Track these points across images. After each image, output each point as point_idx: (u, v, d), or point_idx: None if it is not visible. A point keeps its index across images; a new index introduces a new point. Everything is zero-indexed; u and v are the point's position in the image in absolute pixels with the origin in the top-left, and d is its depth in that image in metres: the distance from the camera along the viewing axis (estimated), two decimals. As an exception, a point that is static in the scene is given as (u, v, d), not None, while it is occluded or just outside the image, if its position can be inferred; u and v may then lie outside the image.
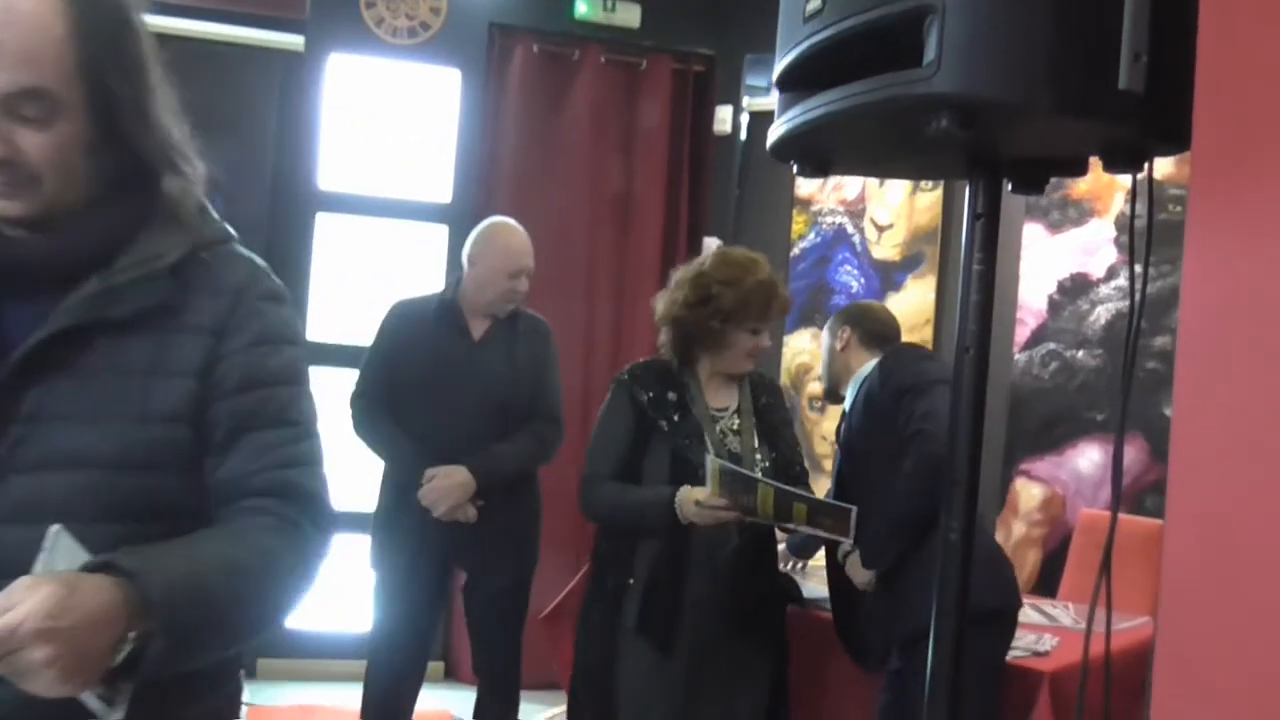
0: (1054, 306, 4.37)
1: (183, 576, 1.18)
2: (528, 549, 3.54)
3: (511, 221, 3.63)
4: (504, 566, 3.50)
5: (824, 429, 4.96)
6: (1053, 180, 1.54)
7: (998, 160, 1.48)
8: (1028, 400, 4.41)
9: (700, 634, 2.76)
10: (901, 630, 2.76)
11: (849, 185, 5.10)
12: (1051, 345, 4.36)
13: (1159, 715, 1.03)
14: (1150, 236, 1.45)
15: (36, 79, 1.21)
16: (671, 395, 2.84)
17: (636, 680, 2.75)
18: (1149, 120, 1.21)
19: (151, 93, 1.32)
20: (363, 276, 5.18)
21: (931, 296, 4.78)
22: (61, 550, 1.16)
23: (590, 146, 5.31)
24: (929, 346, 4.61)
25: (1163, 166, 1.36)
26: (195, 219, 1.37)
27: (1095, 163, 1.42)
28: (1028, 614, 3.30)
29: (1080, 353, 4.28)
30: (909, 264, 4.87)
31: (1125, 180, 1.44)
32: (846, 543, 2.87)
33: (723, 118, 5.42)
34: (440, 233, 5.24)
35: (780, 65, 1.46)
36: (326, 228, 5.13)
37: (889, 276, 4.93)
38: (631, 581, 2.77)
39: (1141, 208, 1.37)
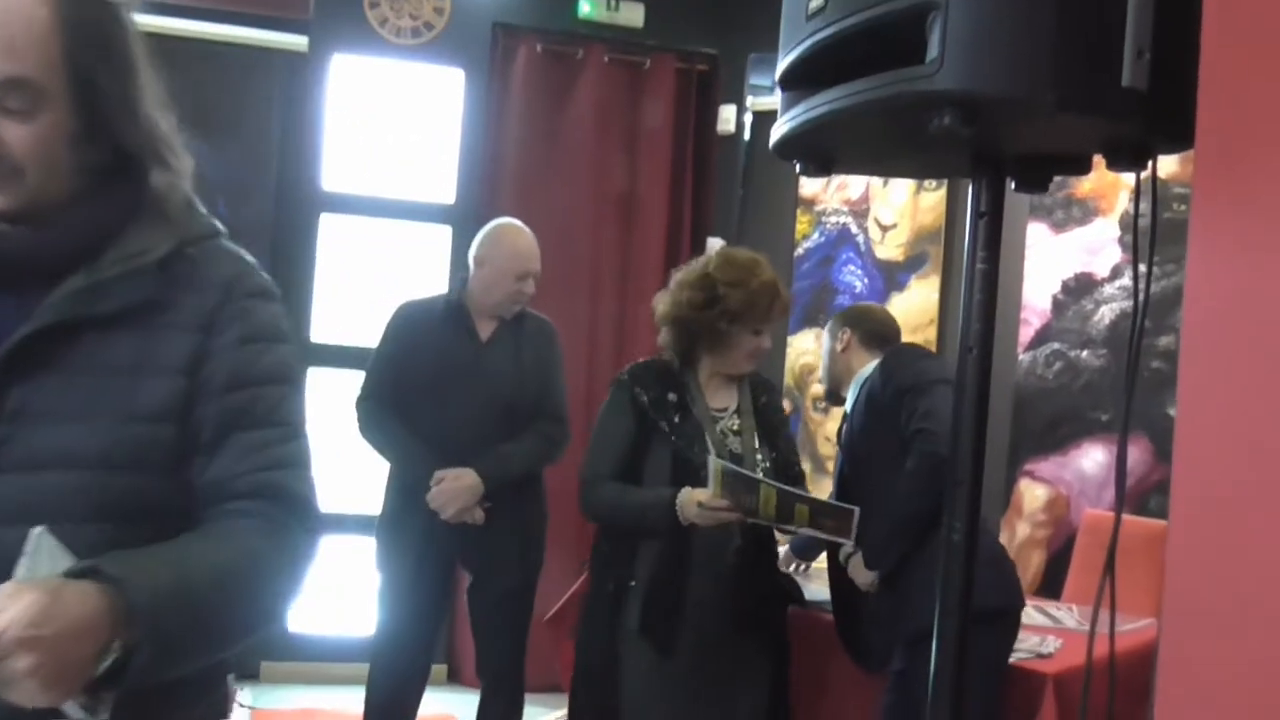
0: (1058, 306, 4.36)
1: (169, 583, 1.15)
2: (534, 551, 3.54)
3: (519, 223, 3.63)
4: (510, 568, 3.49)
5: (828, 430, 4.95)
6: (1057, 179, 1.53)
7: (1001, 158, 1.48)
8: (1032, 400, 4.40)
9: (702, 635, 2.75)
10: (905, 630, 2.75)
11: (853, 185, 5.10)
12: (1056, 345, 4.35)
13: (1163, 717, 1.02)
14: (1154, 235, 1.44)
15: (20, 69, 1.20)
16: (672, 396, 2.83)
17: (638, 681, 2.75)
18: (1152, 117, 1.21)
19: (138, 84, 1.29)
20: (366, 277, 5.18)
21: (935, 296, 4.77)
22: (44, 553, 1.13)
23: (594, 146, 5.31)
24: (933, 347, 4.61)
25: (1167, 165, 1.36)
26: (183, 214, 1.34)
27: (1099, 161, 1.41)
28: (1031, 616, 3.29)
29: (1084, 352, 4.27)
30: (913, 264, 4.86)
31: (1129, 179, 1.43)
32: (848, 545, 2.86)
33: (726, 117, 5.41)
34: (444, 233, 5.24)
35: (783, 63, 1.45)
36: (330, 228, 5.13)
37: (893, 276, 4.92)
38: (633, 583, 2.76)
39: (1145, 207, 1.36)
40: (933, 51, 1.19)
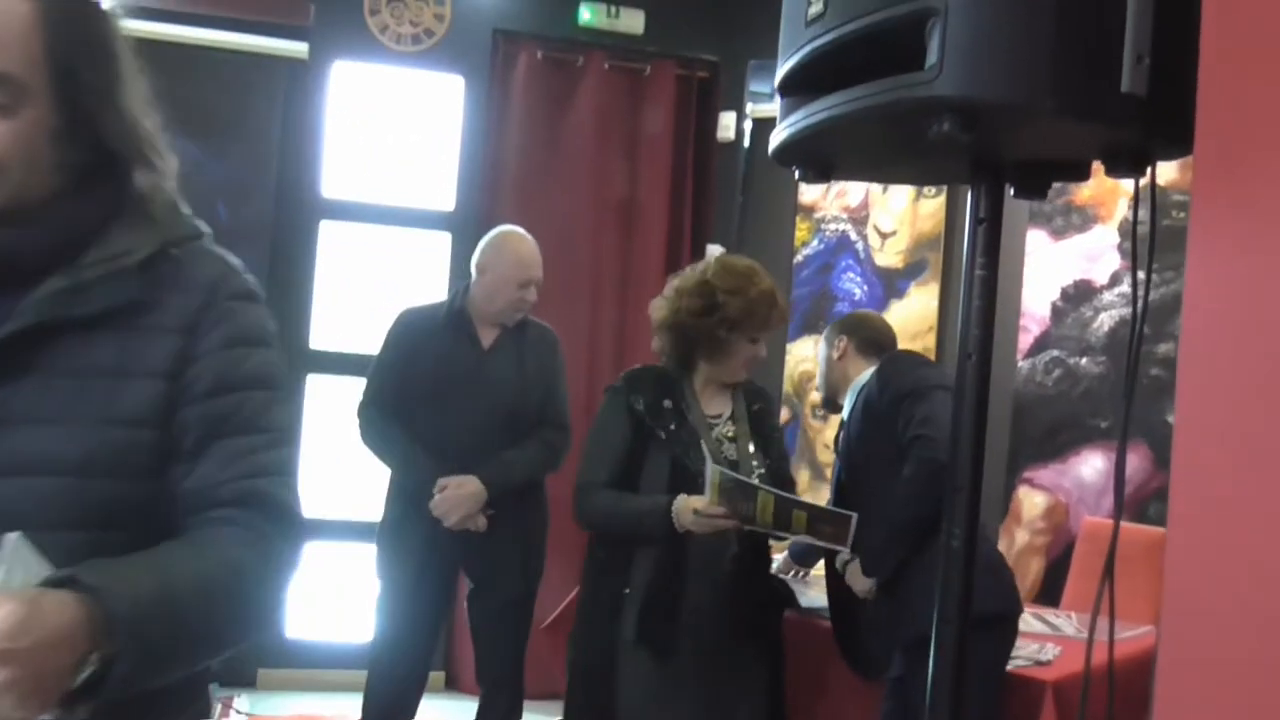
0: (1057, 313, 4.36)
1: (149, 593, 1.12)
2: (535, 558, 3.54)
3: (521, 230, 3.63)
4: (512, 576, 3.49)
5: (826, 437, 4.94)
6: (1056, 186, 1.54)
7: (1000, 164, 1.48)
8: (1031, 407, 4.40)
9: (700, 642, 2.75)
10: (903, 636, 2.75)
11: (852, 192, 5.10)
12: (1055, 352, 4.35)
13: (1162, 723, 1.02)
14: (1153, 242, 1.44)
15: (1, 64, 1.18)
16: (667, 402, 2.83)
17: (635, 689, 2.74)
18: (1151, 123, 1.21)
19: (121, 81, 1.27)
20: (366, 284, 5.18)
21: (935, 304, 4.77)
22: (20, 561, 1.10)
23: (594, 153, 5.31)
24: (932, 354, 4.61)
25: (1166, 172, 1.36)
26: (167, 214, 1.31)
27: (1098, 168, 1.41)
28: (1030, 623, 3.29)
29: (1084, 360, 4.27)
30: (912, 271, 4.86)
31: (1128, 186, 1.44)
32: (845, 552, 2.86)
33: (726, 124, 5.42)
34: (444, 240, 5.24)
35: (782, 70, 1.45)
36: (330, 235, 5.14)
37: (892, 283, 4.93)
38: (628, 590, 2.76)
39: (1144, 213, 1.36)
40: (932, 58, 1.19)
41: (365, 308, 5.10)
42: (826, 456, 4.92)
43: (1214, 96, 1.03)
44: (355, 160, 5.17)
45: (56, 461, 1.20)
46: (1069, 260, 4.34)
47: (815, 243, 5.22)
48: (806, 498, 3.26)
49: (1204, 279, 1.04)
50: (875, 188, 4.99)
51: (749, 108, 5.38)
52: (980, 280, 1.48)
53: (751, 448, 2.89)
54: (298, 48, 5.00)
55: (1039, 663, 2.92)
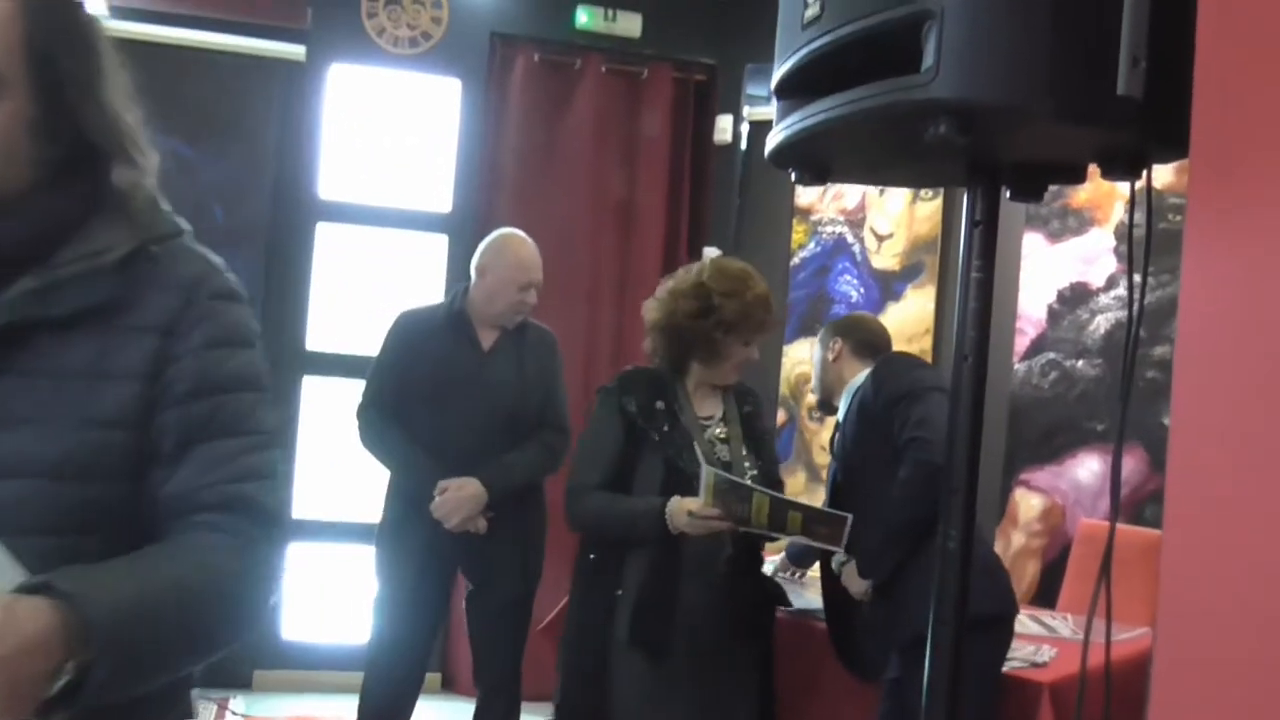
0: (1053, 316, 4.37)
1: (127, 600, 1.09)
2: (535, 560, 3.54)
3: (521, 233, 3.63)
4: (512, 577, 3.50)
5: (823, 439, 4.94)
6: (1052, 189, 1.54)
7: (997, 167, 1.48)
8: (1027, 410, 4.40)
9: (694, 643, 2.75)
10: (900, 637, 2.75)
11: (849, 194, 5.10)
12: (1051, 355, 4.36)
13: (1158, 725, 1.02)
14: (1149, 245, 1.44)
15: None
16: (660, 404, 2.83)
17: (629, 691, 2.73)
18: (1148, 126, 1.21)
19: (102, 75, 1.24)
20: (363, 286, 5.18)
21: (931, 306, 4.77)
22: None
23: (591, 156, 5.32)
24: (928, 357, 4.61)
25: (1162, 175, 1.36)
26: (146, 212, 1.27)
27: (1095, 171, 1.42)
28: (1027, 625, 3.29)
29: (1080, 362, 4.28)
30: (909, 274, 4.86)
31: (1125, 189, 1.43)
32: (840, 554, 2.86)
33: (723, 127, 5.42)
34: (440, 242, 5.24)
35: (779, 72, 1.45)
36: (327, 237, 5.13)
37: (889, 286, 4.93)
38: (620, 592, 2.75)
39: (1140, 217, 1.36)
40: (928, 60, 1.19)
41: (362, 310, 5.11)
42: (823, 458, 4.92)
43: (1209, 99, 1.04)
44: (352, 162, 5.17)
45: (30, 464, 1.17)
46: (1065, 263, 4.35)
47: (812, 245, 5.22)
48: (803, 499, 3.26)
49: (1199, 282, 1.04)
50: (872, 190, 5.00)
51: (746, 111, 5.38)
52: (976, 282, 1.48)
53: (744, 450, 2.89)
54: (295, 50, 5.00)
55: (1035, 664, 2.93)
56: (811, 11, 1.34)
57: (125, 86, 1.27)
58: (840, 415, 3.13)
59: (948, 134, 1.19)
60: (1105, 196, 4.22)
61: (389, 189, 5.21)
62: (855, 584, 2.90)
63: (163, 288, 1.25)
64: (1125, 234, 4.19)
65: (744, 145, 5.39)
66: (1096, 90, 1.18)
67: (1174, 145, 1.18)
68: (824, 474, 4.64)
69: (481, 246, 3.59)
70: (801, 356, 5.14)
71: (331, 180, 5.12)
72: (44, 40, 1.20)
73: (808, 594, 3.40)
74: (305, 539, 5.06)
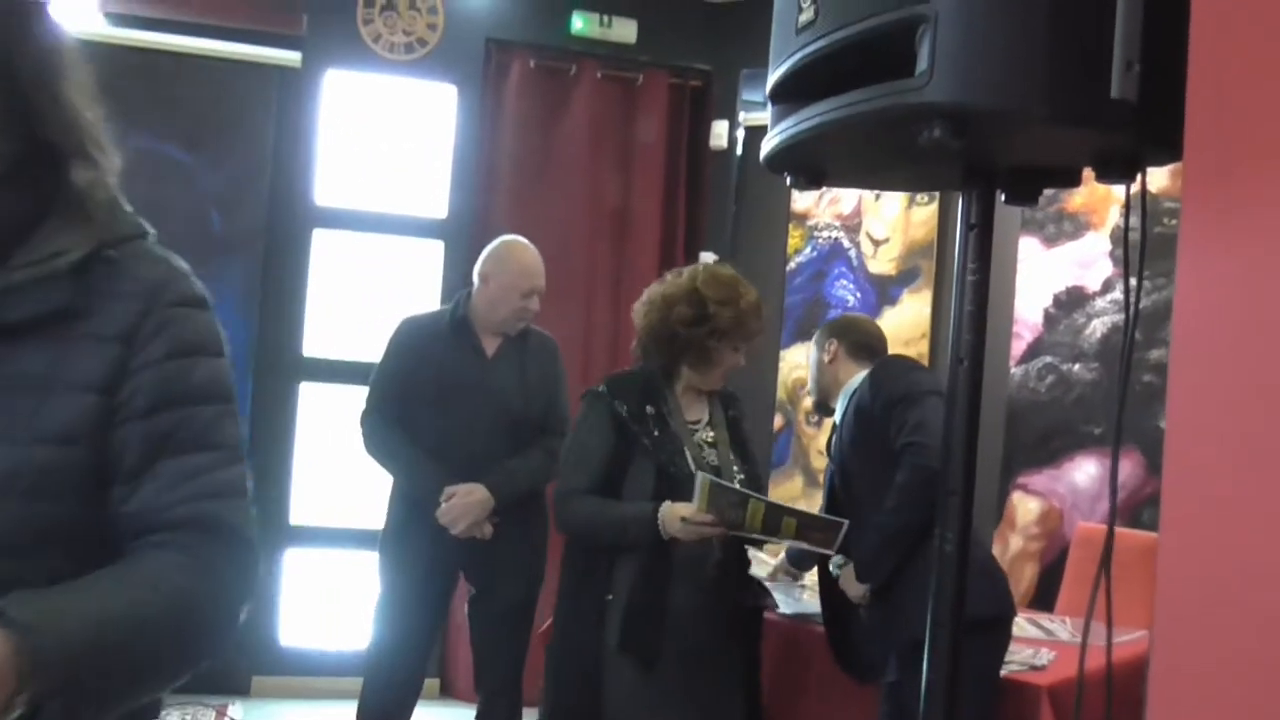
0: (1050, 320, 4.37)
1: (84, 628, 1.03)
2: (537, 565, 3.55)
3: (524, 240, 3.64)
4: (515, 582, 3.50)
5: (820, 443, 4.94)
6: (1048, 193, 1.54)
7: (992, 170, 1.48)
8: (1024, 414, 4.41)
9: (684, 647, 2.74)
10: (899, 640, 2.75)
11: (845, 199, 5.11)
12: (1048, 359, 4.36)
13: (1155, 727, 1.02)
14: (1144, 249, 1.44)
15: None
16: (650, 408, 2.83)
17: (621, 697, 2.72)
18: (1142, 129, 1.21)
19: (59, 70, 1.17)
20: (359, 292, 5.18)
21: (927, 311, 4.78)
22: None
23: (587, 162, 5.32)
24: (925, 361, 4.61)
25: (1157, 179, 1.37)
26: (105, 212, 1.19)
27: (1090, 175, 1.42)
28: (1025, 628, 3.29)
29: (1076, 366, 4.28)
30: (905, 278, 4.87)
31: (1120, 193, 1.44)
32: (838, 557, 2.87)
33: (719, 133, 5.43)
34: (436, 248, 5.24)
35: (773, 77, 1.46)
36: (323, 243, 5.13)
37: (885, 291, 4.93)
38: (610, 598, 2.75)
39: (1136, 221, 1.37)
40: (922, 64, 1.19)
41: (358, 316, 5.11)
42: (820, 462, 4.93)
43: (1203, 103, 1.04)
44: (348, 168, 5.17)
45: None
46: (1061, 267, 4.35)
47: (808, 250, 5.22)
48: (801, 504, 3.27)
49: (1194, 285, 1.05)
50: (868, 195, 5.00)
51: (741, 116, 5.39)
52: (972, 286, 1.48)
53: (731, 454, 2.90)
54: (291, 56, 5.00)
55: (1034, 667, 2.93)
56: (806, 16, 1.35)
57: (85, 84, 1.19)
58: (837, 417, 3.13)
59: (942, 138, 1.20)
60: (1101, 200, 4.23)
61: (385, 195, 5.22)
62: (853, 587, 2.90)
63: (120, 294, 1.17)
64: (1121, 238, 4.20)
65: (739, 150, 5.40)
66: (1091, 94, 1.19)
67: (1168, 148, 1.18)
68: (821, 478, 4.64)
69: (484, 253, 3.60)
70: (798, 361, 5.15)
71: (328, 186, 5.12)
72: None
73: (805, 597, 3.40)
74: (303, 545, 5.06)
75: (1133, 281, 1.39)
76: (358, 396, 3.61)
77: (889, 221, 4.93)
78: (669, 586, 2.74)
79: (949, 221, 4.71)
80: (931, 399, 2.77)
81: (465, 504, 3.39)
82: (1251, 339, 0.99)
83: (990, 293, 1.51)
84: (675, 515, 2.66)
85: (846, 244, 5.08)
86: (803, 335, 5.15)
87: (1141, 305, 1.38)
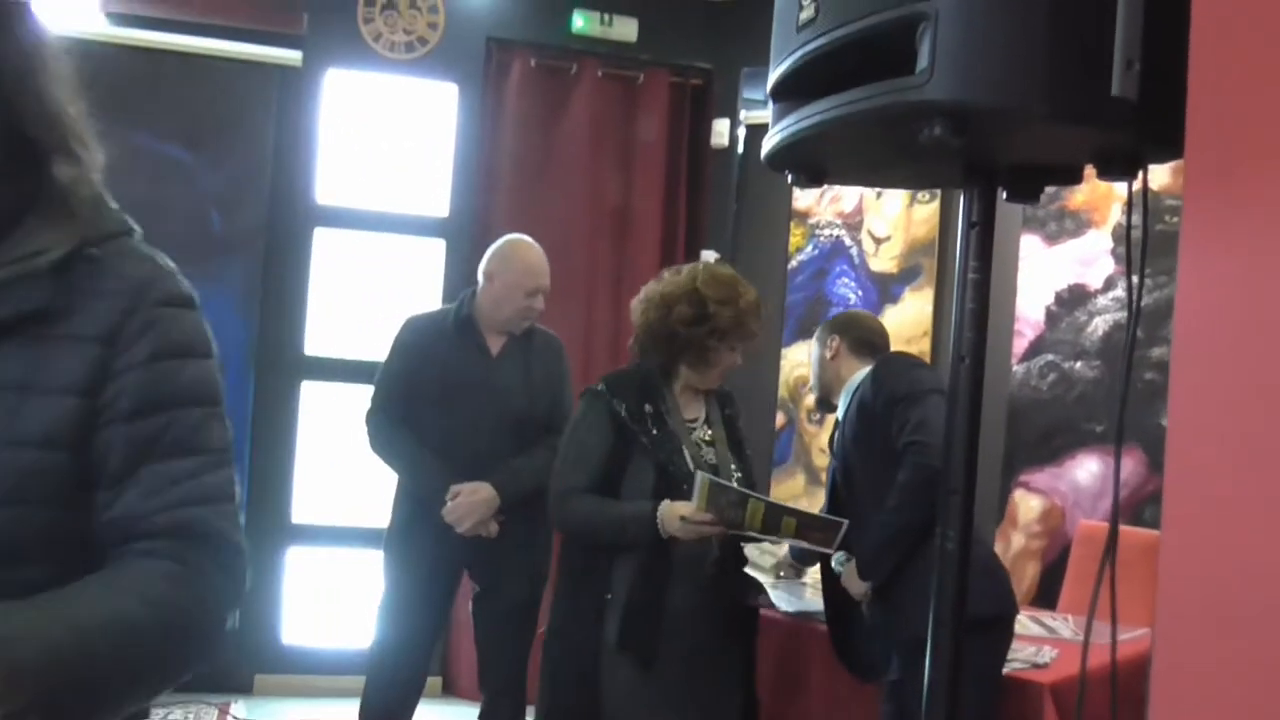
0: (1051, 318, 4.37)
1: (61, 639, 1.00)
2: (542, 564, 3.55)
3: (529, 239, 3.64)
4: (519, 581, 3.51)
5: (822, 441, 4.94)
6: (1049, 191, 1.54)
7: (993, 168, 1.48)
8: (1026, 412, 4.40)
9: (683, 646, 2.74)
10: (901, 639, 2.75)
11: (846, 197, 5.11)
12: (1049, 357, 4.36)
13: (1157, 725, 1.02)
14: (1145, 247, 1.44)
15: None
16: (648, 407, 2.83)
17: (620, 696, 2.72)
18: (1143, 127, 1.21)
19: (41, 65, 1.14)
20: (361, 291, 5.18)
21: (929, 309, 4.77)
22: None
23: (588, 160, 5.32)
24: (926, 359, 4.61)
25: (1159, 177, 1.37)
26: (89, 209, 1.16)
27: (1091, 173, 1.42)
28: (1027, 626, 3.29)
29: (1078, 364, 4.28)
30: (906, 276, 4.87)
31: (1122, 191, 1.44)
32: (839, 554, 2.87)
33: (720, 131, 5.43)
34: (438, 247, 5.24)
35: (774, 75, 1.46)
36: (325, 242, 5.14)
37: (886, 289, 4.93)
38: (609, 597, 2.75)
39: (1137, 218, 1.37)
40: (923, 62, 1.19)
41: (360, 314, 5.11)
42: (822, 460, 4.93)
43: (1204, 100, 1.04)
44: (349, 167, 5.17)
45: None
46: (1063, 265, 4.35)
47: (810, 248, 5.22)
48: (803, 503, 3.27)
49: (1196, 282, 1.04)
50: (869, 193, 5.00)
51: (742, 114, 5.39)
52: (973, 283, 1.48)
53: (728, 452, 2.90)
54: (291, 55, 5.00)
55: (1036, 665, 2.93)
56: (807, 14, 1.34)
57: (68, 79, 1.17)
58: (840, 414, 3.13)
59: (942, 135, 1.20)
60: (1102, 198, 4.22)
61: (386, 194, 5.22)
62: (855, 585, 2.90)
63: (103, 293, 1.14)
64: (1123, 236, 4.20)
65: (741, 149, 5.40)
66: (1091, 92, 1.18)
67: (1169, 146, 1.18)
68: (823, 476, 4.65)
69: (489, 252, 3.60)
70: (800, 359, 5.14)
71: (329, 185, 5.12)
72: None
73: (808, 595, 3.40)
74: (304, 544, 5.07)
75: (1135, 279, 1.39)
76: (359, 395, 3.61)
77: (890, 219, 4.93)
78: (668, 585, 2.74)
79: (951, 219, 4.71)
80: (933, 397, 2.76)
81: (471, 502, 3.40)
82: (1253, 336, 0.99)
83: (992, 291, 1.51)
84: (674, 514, 2.66)
85: (848, 242, 5.08)
86: (804, 333, 5.15)
87: (1143, 303, 1.38)
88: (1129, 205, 1.41)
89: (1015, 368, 4.45)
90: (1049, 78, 1.18)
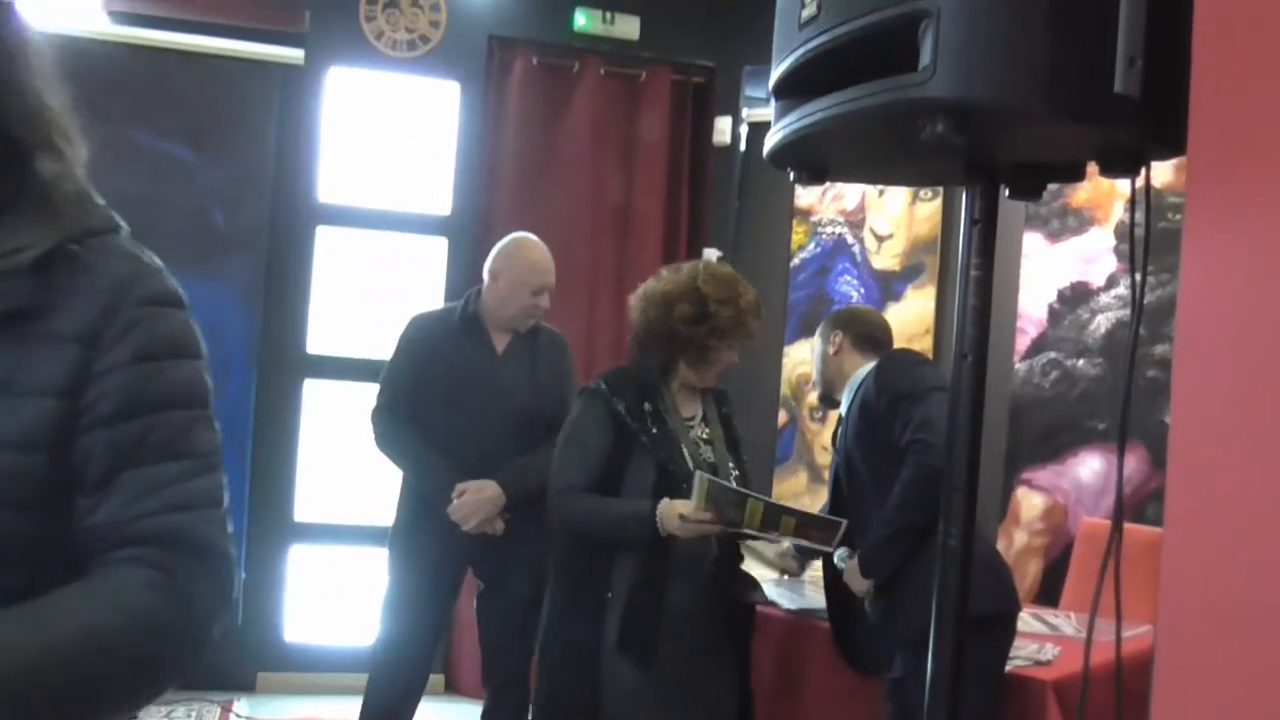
0: (1054, 315, 4.36)
1: (35, 651, 0.98)
2: (547, 562, 3.55)
3: (534, 237, 3.64)
4: (524, 579, 3.51)
5: (824, 439, 4.95)
6: (1052, 188, 1.54)
7: (995, 166, 1.48)
8: (1028, 409, 4.40)
9: (683, 644, 2.74)
10: (904, 636, 2.75)
11: (849, 195, 5.10)
12: (1052, 354, 4.36)
13: (1160, 722, 1.02)
14: (1148, 244, 1.44)
15: None
16: (647, 406, 2.83)
17: (618, 694, 2.72)
18: (1146, 124, 1.21)
19: (23, 60, 1.11)
20: (363, 289, 5.19)
21: (931, 306, 4.77)
22: None
23: (590, 158, 5.32)
24: (929, 357, 4.61)
25: (1162, 174, 1.36)
26: (72, 206, 1.13)
27: (1094, 170, 1.42)
28: (1030, 624, 3.29)
29: (1081, 361, 4.28)
30: (909, 274, 4.86)
31: (1125, 188, 1.43)
32: (842, 550, 2.87)
33: (722, 129, 5.42)
34: (440, 245, 5.25)
35: (776, 72, 1.46)
36: (327, 241, 5.14)
37: (889, 286, 4.93)
38: (609, 596, 2.75)
39: (1140, 216, 1.36)
40: (925, 59, 1.19)
41: (362, 313, 5.12)
42: (824, 459, 4.93)
43: (1207, 97, 1.04)
44: (351, 166, 5.17)
45: None
46: (1066, 262, 4.35)
47: (812, 246, 5.22)
48: (805, 501, 3.27)
49: (1199, 280, 1.04)
50: (871, 191, 5.00)
51: (745, 112, 5.38)
52: (975, 281, 1.48)
53: (726, 451, 2.90)
54: (293, 54, 5.00)
55: (1039, 663, 2.93)
56: (809, 11, 1.34)
57: (51, 75, 1.14)
58: (843, 410, 3.12)
59: (945, 133, 1.20)
60: (1105, 196, 4.22)
61: (388, 192, 5.22)
62: (857, 583, 2.90)
63: (84, 292, 1.10)
64: (1125, 233, 4.19)
65: (743, 147, 5.39)
66: (1093, 89, 1.18)
67: (1172, 143, 1.18)
68: (825, 474, 4.65)
69: (495, 250, 3.60)
70: (802, 357, 5.14)
71: (331, 184, 5.13)
72: None
73: (810, 592, 3.40)
74: (307, 541, 5.08)
75: (1137, 276, 1.39)
76: (362, 393, 3.62)
77: (893, 217, 4.93)
78: (667, 584, 2.74)
79: (953, 217, 4.70)
80: (936, 395, 2.76)
81: (477, 500, 3.40)
82: (1257, 334, 0.99)
83: (994, 288, 1.51)
84: (674, 513, 2.66)
85: (850, 240, 5.08)
86: (806, 331, 5.15)
87: (1146, 300, 1.38)
88: (1131, 202, 1.41)
89: (1018, 365, 4.44)
90: (1051, 75, 1.18)
